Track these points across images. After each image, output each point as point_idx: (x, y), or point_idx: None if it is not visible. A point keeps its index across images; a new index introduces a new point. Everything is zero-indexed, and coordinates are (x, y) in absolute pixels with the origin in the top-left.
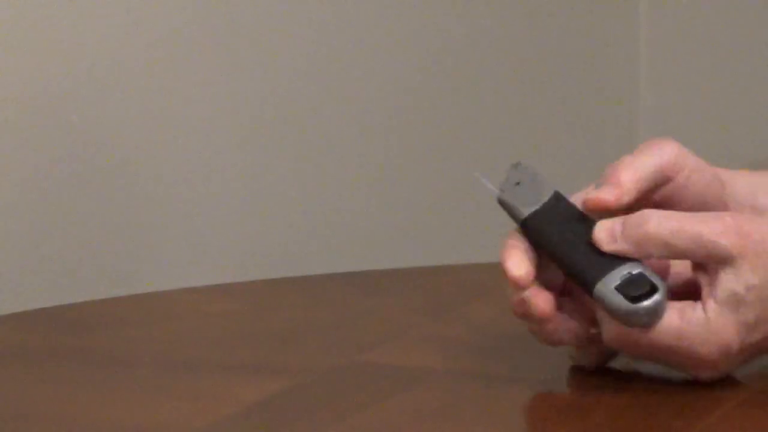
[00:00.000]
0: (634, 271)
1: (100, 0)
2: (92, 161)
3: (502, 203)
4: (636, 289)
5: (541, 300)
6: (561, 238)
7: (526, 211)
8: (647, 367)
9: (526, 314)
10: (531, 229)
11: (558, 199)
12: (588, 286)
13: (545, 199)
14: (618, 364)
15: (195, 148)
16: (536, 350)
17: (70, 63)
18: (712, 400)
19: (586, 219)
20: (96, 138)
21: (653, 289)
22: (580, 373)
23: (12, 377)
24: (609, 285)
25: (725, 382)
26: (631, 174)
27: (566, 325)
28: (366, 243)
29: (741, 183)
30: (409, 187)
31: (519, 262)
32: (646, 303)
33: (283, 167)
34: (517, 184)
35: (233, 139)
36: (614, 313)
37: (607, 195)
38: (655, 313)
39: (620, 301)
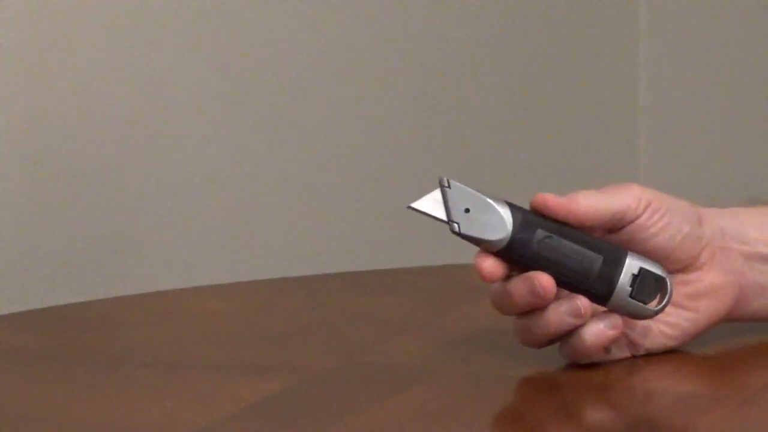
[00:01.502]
0: (635, 270)
1: (96, 4)
2: (92, 161)
3: (465, 237)
4: (647, 287)
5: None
6: (549, 259)
7: (497, 241)
8: (646, 367)
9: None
10: (511, 254)
11: (515, 212)
12: (601, 302)
13: (507, 220)
14: (618, 361)
15: (195, 149)
16: (536, 349)
17: (67, 65)
18: (712, 400)
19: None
20: (96, 138)
21: (659, 281)
22: (580, 372)
23: (12, 377)
24: (623, 296)
25: (725, 381)
26: (590, 201)
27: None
28: (366, 243)
29: (728, 218)
30: (409, 187)
31: (488, 258)
32: (664, 302)
33: (283, 167)
34: (467, 210)
35: (233, 140)
36: (636, 318)
37: (554, 200)
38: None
39: (642, 309)
